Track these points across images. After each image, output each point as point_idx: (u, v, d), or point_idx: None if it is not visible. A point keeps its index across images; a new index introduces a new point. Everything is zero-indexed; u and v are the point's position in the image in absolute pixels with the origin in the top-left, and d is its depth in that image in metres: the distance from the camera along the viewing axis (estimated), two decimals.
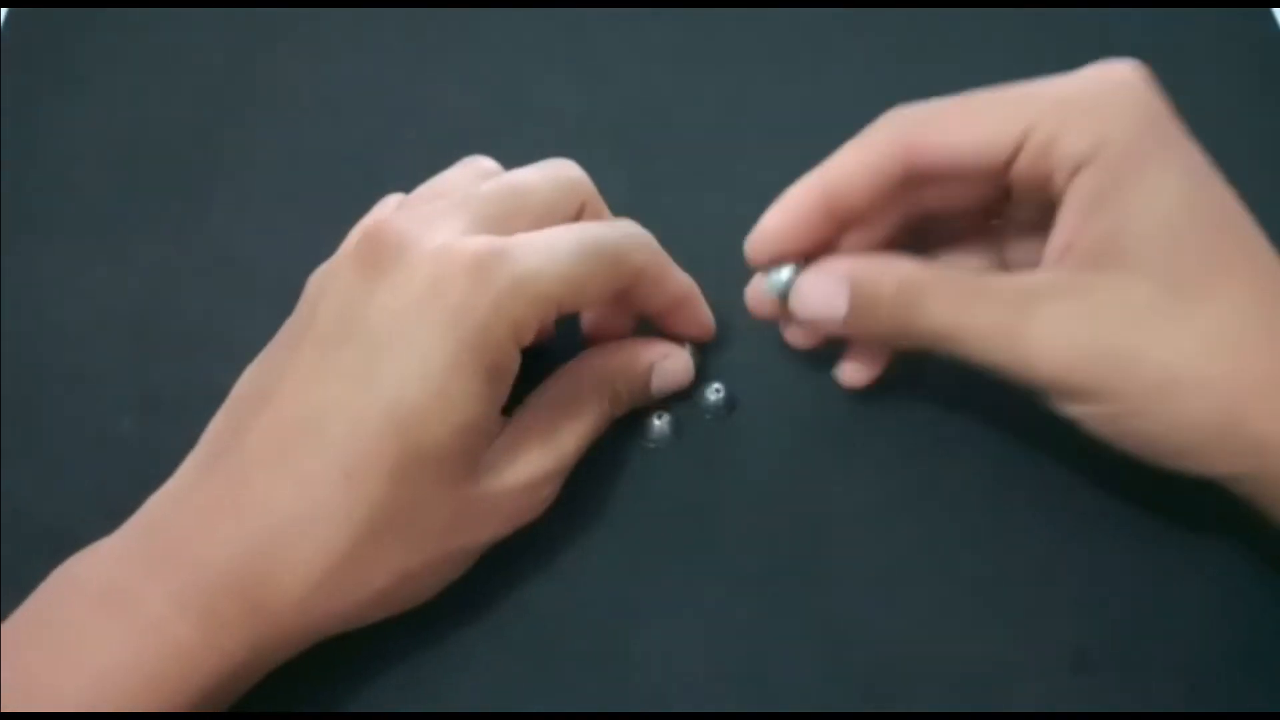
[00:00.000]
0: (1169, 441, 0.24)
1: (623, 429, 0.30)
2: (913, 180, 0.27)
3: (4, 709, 0.22)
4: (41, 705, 0.22)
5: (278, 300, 0.28)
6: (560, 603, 0.29)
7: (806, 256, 0.28)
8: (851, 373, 0.31)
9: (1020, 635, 0.27)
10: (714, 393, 0.31)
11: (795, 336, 0.31)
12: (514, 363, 0.26)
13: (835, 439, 0.31)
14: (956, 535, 0.29)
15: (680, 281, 0.30)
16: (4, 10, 0.40)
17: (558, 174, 0.29)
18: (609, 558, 0.29)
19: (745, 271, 0.29)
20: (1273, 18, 0.39)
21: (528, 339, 0.26)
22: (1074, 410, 0.25)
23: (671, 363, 0.30)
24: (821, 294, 0.27)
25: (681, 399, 0.31)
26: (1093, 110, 0.25)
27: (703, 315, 0.31)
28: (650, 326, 0.31)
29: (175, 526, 0.25)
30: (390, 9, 0.40)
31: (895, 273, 0.27)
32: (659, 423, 0.30)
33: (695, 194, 0.35)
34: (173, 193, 0.36)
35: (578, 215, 0.29)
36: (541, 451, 0.27)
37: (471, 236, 0.25)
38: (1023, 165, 0.25)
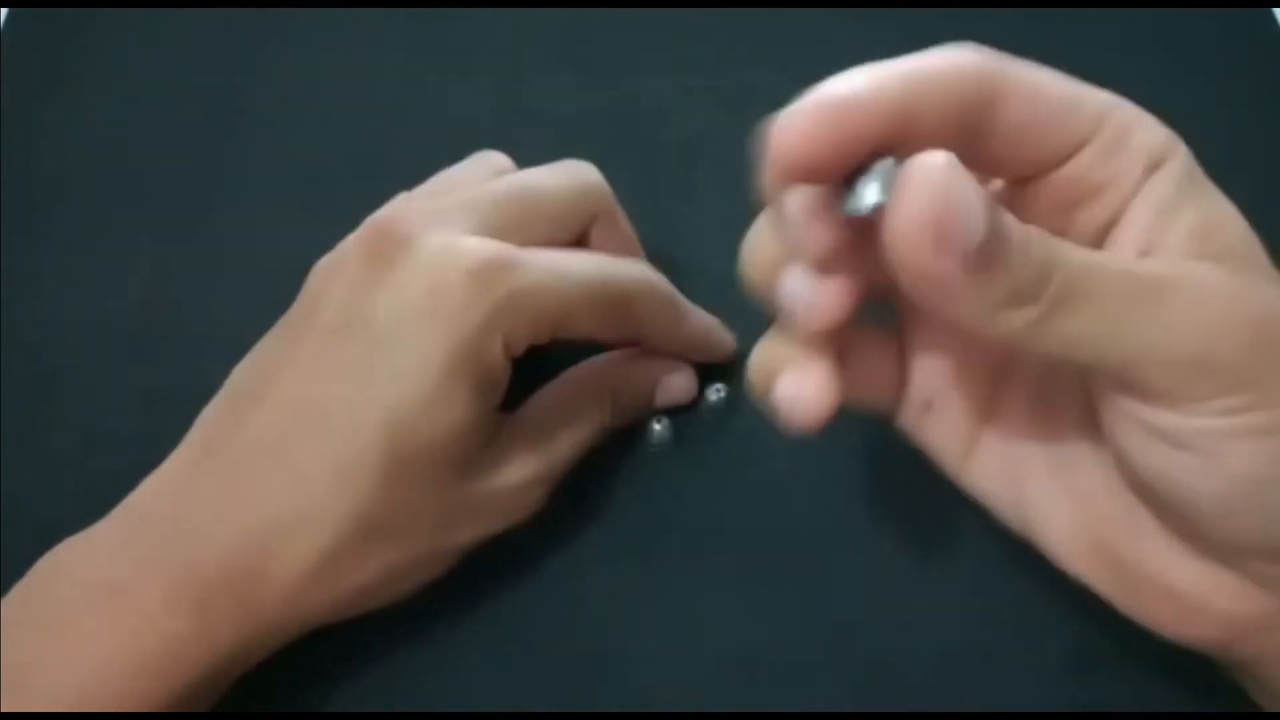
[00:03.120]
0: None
1: (623, 433, 0.30)
2: (974, 129, 0.20)
3: None
4: (35, 695, 0.22)
5: (278, 300, 0.28)
6: (560, 604, 0.29)
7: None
8: (804, 390, 0.22)
9: (1020, 635, 0.27)
10: (714, 393, 0.31)
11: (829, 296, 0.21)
12: (504, 373, 0.26)
13: (835, 440, 0.31)
14: (956, 535, 0.29)
15: (694, 327, 0.30)
16: (4, 10, 0.40)
17: (573, 178, 0.28)
18: (609, 560, 0.29)
19: None
20: (1273, 18, 0.39)
21: (519, 351, 0.26)
22: (1186, 419, 0.19)
23: (677, 380, 0.30)
24: (968, 193, 0.18)
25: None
26: (1152, 119, 0.21)
27: (720, 349, 0.31)
28: None
29: (167, 519, 0.25)
30: (390, 9, 0.40)
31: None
32: (659, 426, 0.30)
33: (695, 194, 0.35)
34: (173, 193, 0.36)
35: (591, 223, 0.29)
36: (535, 456, 0.27)
37: (480, 240, 0.25)
38: (1092, 151, 0.20)
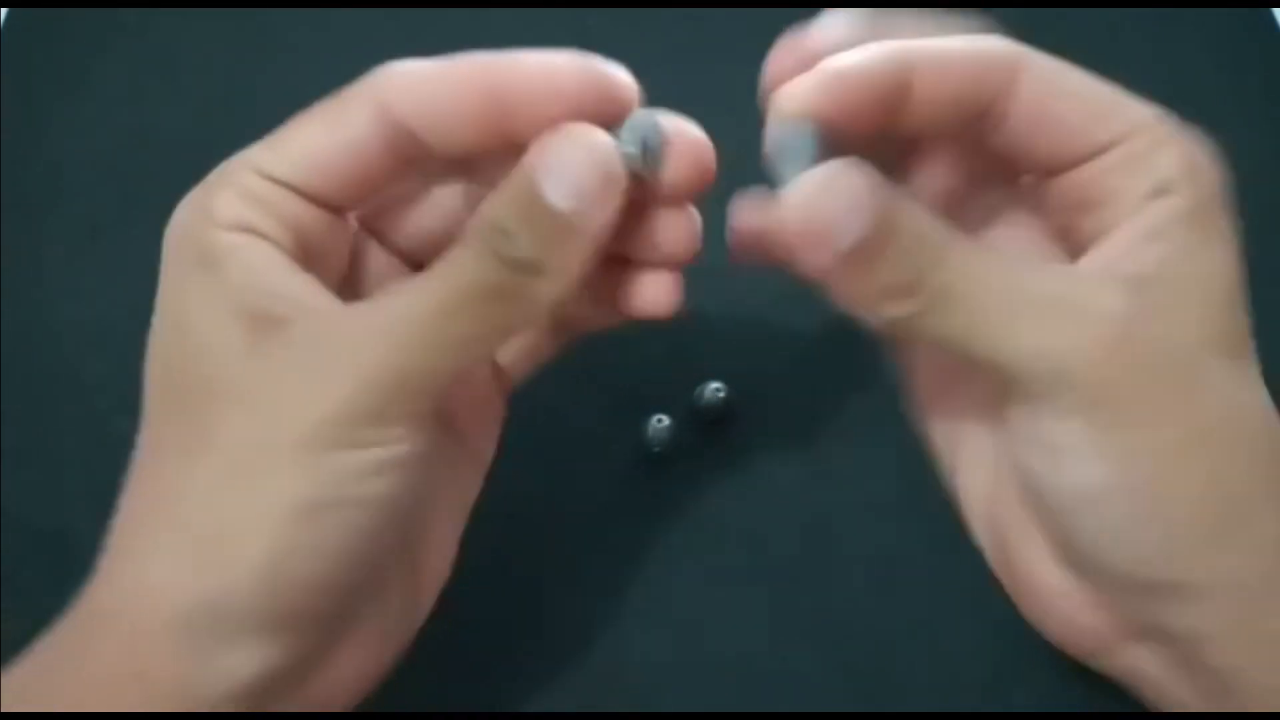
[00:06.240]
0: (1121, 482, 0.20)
1: (622, 433, 0.30)
2: (979, 114, 0.21)
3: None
4: None
5: None
6: (560, 604, 0.29)
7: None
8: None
9: (1020, 635, 0.27)
10: (714, 393, 0.31)
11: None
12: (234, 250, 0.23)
13: (835, 440, 0.31)
14: (957, 535, 0.29)
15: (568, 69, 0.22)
16: (4, 10, 0.40)
17: None
18: (609, 559, 0.29)
19: (748, 273, 0.29)
20: (1273, 18, 0.39)
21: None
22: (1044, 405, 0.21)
23: (561, 151, 0.20)
24: (847, 199, 0.19)
25: (681, 402, 0.31)
26: (1189, 148, 0.21)
27: (622, 89, 0.23)
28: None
29: None
30: (390, 9, 0.40)
31: (913, 205, 0.20)
32: (658, 426, 0.30)
33: None
34: (173, 193, 0.36)
35: None
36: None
37: None
38: (1107, 161, 0.21)
